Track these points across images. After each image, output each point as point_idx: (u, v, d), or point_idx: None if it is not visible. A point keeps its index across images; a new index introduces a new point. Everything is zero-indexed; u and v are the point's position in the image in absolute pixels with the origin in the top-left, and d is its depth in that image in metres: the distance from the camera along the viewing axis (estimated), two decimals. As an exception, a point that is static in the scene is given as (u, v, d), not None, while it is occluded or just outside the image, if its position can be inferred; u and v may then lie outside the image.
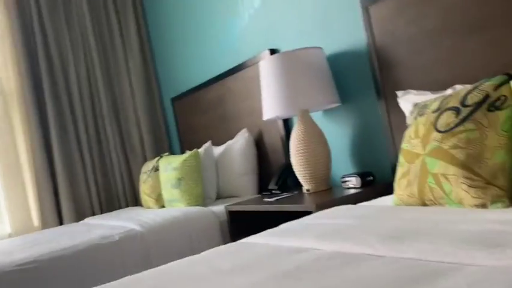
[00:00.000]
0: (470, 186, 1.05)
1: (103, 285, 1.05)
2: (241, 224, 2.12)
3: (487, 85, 1.12)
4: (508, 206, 1.02)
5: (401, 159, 1.27)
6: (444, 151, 1.11)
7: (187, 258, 1.17)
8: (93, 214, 3.11)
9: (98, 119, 3.25)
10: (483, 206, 1.04)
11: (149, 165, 2.76)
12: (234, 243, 1.26)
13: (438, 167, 1.12)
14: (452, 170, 1.09)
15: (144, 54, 3.41)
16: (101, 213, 3.13)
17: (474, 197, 1.05)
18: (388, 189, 1.72)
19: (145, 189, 2.69)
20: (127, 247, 1.94)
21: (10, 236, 2.90)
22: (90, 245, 1.87)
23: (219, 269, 0.99)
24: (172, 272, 1.05)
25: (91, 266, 1.83)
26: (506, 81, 1.10)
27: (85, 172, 3.14)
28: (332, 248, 0.98)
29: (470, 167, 1.06)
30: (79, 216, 3.05)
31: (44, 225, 2.97)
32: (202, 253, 1.20)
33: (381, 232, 0.96)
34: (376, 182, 1.87)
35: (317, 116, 2.19)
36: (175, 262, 1.16)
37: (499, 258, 0.69)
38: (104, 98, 3.26)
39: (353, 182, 1.82)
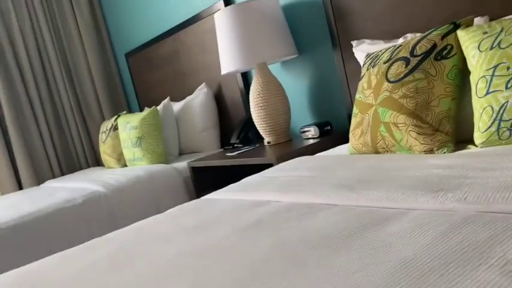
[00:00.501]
0: (418, 134, 1.11)
1: (71, 249, 1.06)
2: (205, 179, 2.15)
3: (434, 34, 1.16)
4: (452, 151, 1.09)
5: (355, 110, 1.31)
6: (395, 100, 1.16)
7: (151, 217, 1.19)
8: (53, 177, 3.05)
9: (49, 79, 3.11)
10: (430, 151, 1.11)
11: (107, 125, 2.70)
12: (197, 200, 1.29)
13: (389, 116, 1.16)
14: (402, 118, 1.14)
15: (93, 7, 3.23)
16: (62, 175, 3.08)
17: (422, 144, 1.11)
18: (345, 138, 1.79)
19: (105, 149, 2.65)
20: (91, 209, 1.94)
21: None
22: (53, 210, 1.86)
23: (183, 227, 1.02)
24: (137, 232, 1.07)
25: (56, 230, 1.83)
26: (452, 30, 1.14)
27: (40, 135, 3.04)
28: (290, 199, 1.02)
29: (418, 115, 1.12)
30: (39, 180, 2.99)
31: (3, 191, 2.90)
32: (166, 211, 1.23)
33: (335, 182, 1.01)
34: (333, 131, 1.93)
35: (275, 68, 2.19)
36: (139, 222, 1.18)
37: (441, 202, 0.75)
38: (55, 58, 3.10)
39: (312, 132, 1.87)
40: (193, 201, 1.29)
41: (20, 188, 2.96)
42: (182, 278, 0.71)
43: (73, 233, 1.84)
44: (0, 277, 0.98)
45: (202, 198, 1.31)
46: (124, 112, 2.71)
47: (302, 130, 1.93)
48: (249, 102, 2.32)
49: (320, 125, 1.86)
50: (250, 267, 0.69)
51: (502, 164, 0.85)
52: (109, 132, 2.64)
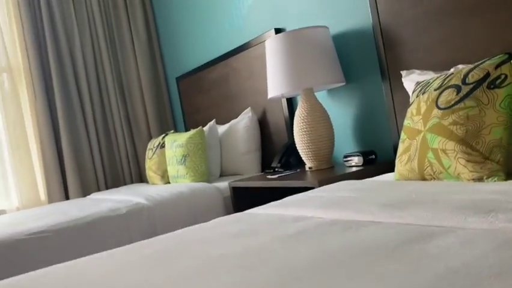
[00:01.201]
0: (468, 161, 1.10)
1: (115, 249, 1.11)
2: (245, 200, 2.18)
3: (488, 64, 1.15)
4: (503, 180, 1.06)
5: (403, 135, 1.31)
6: (444, 127, 1.15)
7: (195, 225, 1.23)
8: (98, 190, 3.17)
9: (104, 97, 3.29)
10: (480, 180, 1.08)
11: (155, 142, 2.80)
12: (239, 213, 1.31)
13: (438, 142, 1.16)
14: (451, 145, 1.13)
15: (149, 33, 3.43)
16: (106, 189, 3.19)
17: (471, 171, 1.09)
18: (389, 168, 1.77)
19: (150, 165, 2.75)
20: (134, 220, 2.00)
21: (18, 209, 2.97)
22: (98, 217, 1.93)
23: (225, 233, 1.04)
24: (180, 236, 1.10)
25: (99, 237, 1.89)
26: (506, 60, 1.14)
27: (90, 149, 3.19)
28: (333, 216, 1.02)
29: (468, 142, 1.10)
30: (85, 191, 3.12)
31: (51, 200, 3.03)
32: (210, 221, 1.25)
33: (381, 201, 1.01)
34: (378, 161, 1.91)
35: (321, 96, 2.23)
36: (183, 229, 1.21)
37: (491, 222, 0.73)
38: (110, 77, 3.29)
39: (355, 160, 1.87)
40: (234, 214, 1.31)
41: (67, 198, 3.10)
42: (224, 276, 0.73)
43: (115, 241, 1.90)
44: (50, 269, 1.03)
45: (243, 212, 1.33)
46: (172, 131, 2.81)
47: (345, 158, 1.92)
48: (292, 129, 2.35)
49: (364, 154, 1.85)
50: (292, 271, 0.70)
51: (558, 192, 0.82)
52: (155, 150, 2.74)
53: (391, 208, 0.94)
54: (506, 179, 1.07)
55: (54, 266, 1.02)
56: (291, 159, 2.29)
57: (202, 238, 1.04)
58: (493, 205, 0.81)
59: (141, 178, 3.35)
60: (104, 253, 1.07)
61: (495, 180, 1.06)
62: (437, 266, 0.59)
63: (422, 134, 1.22)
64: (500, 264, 0.56)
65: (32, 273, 0.98)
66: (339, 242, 0.80)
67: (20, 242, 1.70)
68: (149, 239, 1.13)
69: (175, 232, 1.18)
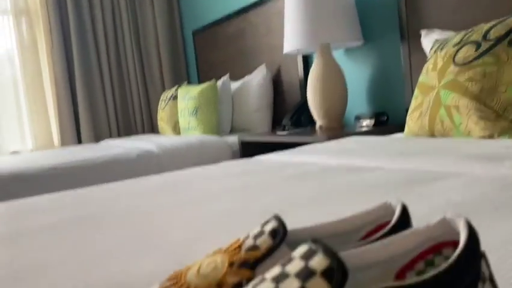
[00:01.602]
0: (480, 118, 1.08)
1: (123, 181, 1.13)
2: (253, 155, 2.19)
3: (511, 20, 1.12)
4: (514, 139, 1.05)
5: (416, 92, 1.29)
6: (460, 84, 1.13)
7: (204, 167, 1.24)
8: (111, 137, 3.22)
9: (120, 46, 3.28)
10: (490, 137, 1.07)
11: (168, 94, 2.81)
12: (247, 158, 1.32)
13: (452, 98, 1.14)
14: (464, 102, 1.11)
15: (168, -16, 3.37)
16: (119, 137, 3.24)
17: (483, 129, 1.08)
18: (400, 130, 1.75)
19: (162, 116, 2.76)
20: (144, 165, 2.04)
21: (32, 151, 3.04)
22: (109, 159, 1.97)
23: (230, 172, 1.05)
24: (187, 174, 1.12)
25: (109, 178, 1.93)
26: (532, 18, 1.10)
27: (104, 97, 3.22)
28: (338, 162, 1.03)
29: (482, 99, 1.08)
30: (97, 138, 3.17)
31: (64, 144, 3.09)
32: (216, 164, 1.27)
33: (388, 152, 1.01)
34: (389, 123, 1.89)
35: (338, 55, 2.19)
36: (190, 169, 1.23)
37: (497, 168, 0.73)
38: (127, 27, 3.27)
39: (367, 120, 1.85)
40: (241, 159, 1.33)
41: (80, 143, 3.15)
42: (227, 202, 0.74)
43: (123, 183, 1.94)
44: (57, 194, 1.06)
45: (250, 158, 1.34)
46: (185, 83, 2.81)
47: (357, 118, 1.91)
48: (305, 89, 2.33)
49: (376, 115, 1.84)
50: (293, 201, 0.71)
51: None
52: (168, 101, 2.75)
53: (397, 156, 0.94)
54: (518, 138, 1.05)
55: (62, 192, 1.05)
56: (302, 117, 2.28)
57: (207, 175, 1.06)
58: (501, 155, 0.80)
59: (153, 129, 3.38)
60: (112, 183, 1.10)
61: (507, 138, 1.05)
62: (437, 200, 0.60)
63: (436, 91, 1.20)
64: (499, 201, 0.56)
65: (44, 196, 1.01)
66: (342, 181, 0.81)
67: (30, 176, 1.75)
68: (156, 175, 1.16)
69: (183, 170, 1.20)
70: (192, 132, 2.49)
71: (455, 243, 0.30)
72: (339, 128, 1.91)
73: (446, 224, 0.30)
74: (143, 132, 3.36)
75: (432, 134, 1.22)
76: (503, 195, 0.59)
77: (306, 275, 0.24)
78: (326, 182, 0.83)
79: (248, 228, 0.58)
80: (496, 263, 0.38)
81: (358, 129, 1.78)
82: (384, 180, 0.78)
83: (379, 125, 1.84)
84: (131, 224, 0.65)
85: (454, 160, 0.82)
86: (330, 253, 0.24)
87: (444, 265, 0.25)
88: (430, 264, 0.31)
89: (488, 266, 0.27)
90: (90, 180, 1.87)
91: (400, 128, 1.76)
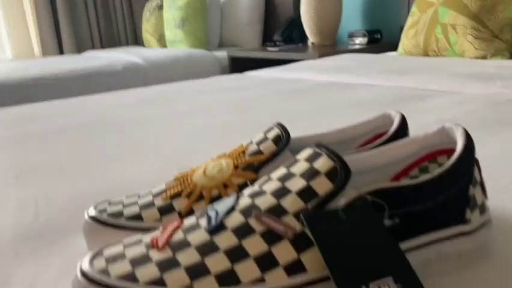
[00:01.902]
0: (476, 38, 1.07)
1: (112, 92, 1.11)
2: (243, 71, 2.16)
3: None
4: (507, 59, 1.05)
5: (413, 9, 1.25)
6: (459, 1, 1.10)
7: (194, 80, 1.23)
8: (93, 48, 3.11)
9: None
10: (484, 58, 1.07)
11: (152, 3, 2.67)
12: (238, 74, 1.30)
13: (449, 16, 1.11)
14: (462, 20, 1.09)
15: None
16: (102, 48, 3.13)
17: (477, 49, 1.07)
18: (394, 48, 1.73)
19: (147, 27, 2.65)
20: (129, 78, 1.99)
21: (11, 61, 2.93)
22: (94, 71, 1.92)
23: (223, 87, 1.05)
24: (177, 87, 1.11)
25: (95, 89, 1.90)
26: None
27: (86, 5, 3.04)
28: (331, 79, 1.02)
29: (480, 18, 1.06)
30: (79, 49, 3.05)
31: (45, 54, 2.98)
32: (207, 78, 1.25)
33: (381, 69, 1.00)
34: (383, 41, 1.86)
35: (334, -33, 2.07)
36: (181, 82, 1.21)
37: (488, 87, 0.74)
38: None
39: (360, 38, 1.82)
40: (232, 74, 1.31)
41: (61, 53, 3.04)
42: (221, 116, 0.75)
43: (110, 96, 1.92)
44: (51, 103, 1.05)
45: (242, 73, 1.32)
46: (171, -8, 2.66)
47: (350, 35, 1.87)
48: (298, 3, 2.23)
49: (369, 32, 1.80)
50: (286, 114, 0.72)
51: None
52: (153, 11, 2.62)
53: (390, 74, 0.94)
54: (510, 58, 1.06)
55: (50, 101, 1.04)
56: (294, 33, 2.21)
57: (199, 89, 1.05)
58: (493, 75, 0.81)
59: (137, 41, 3.26)
60: (102, 94, 1.09)
61: (498, 59, 1.05)
62: (428, 117, 0.61)
63: (434, 7, 1.16)
64: (488, 118, 0.58)
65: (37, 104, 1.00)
66: (334, 98, 0.81)
67: (11, 87, 1.71)
68: (146, 87, 1.14)
69: (174, 84, 1.18)
70: (179, 46, 2.41)
71: (450, 151, 0.32)
72: (332, 45, 1.88)
73: (444, 132, 0.31)
74: (127, 44, 3.24)
75: (426, 53, 1.22)
76: (492, 112, 0.60)
77: (311, 174, 0.25)
78: (318, 97, 0.83)
79: (243, 139, 0.59)
80: (485, 176, 0.40)
81: (351, 47, 1.75)
82: (377, 97, 0.78)
83: (372, 43, 1.80)
84: (127, 133, 0.66)
85: (446, 79, 0.82)
86: (334, 155, 0.25)
87: (442, 167, 0.26)
88: (424, 170, 0.32)
89: (480, 172, 0.29)
90: (74, 92, 1.83)
91: (394, 46, 1.73)
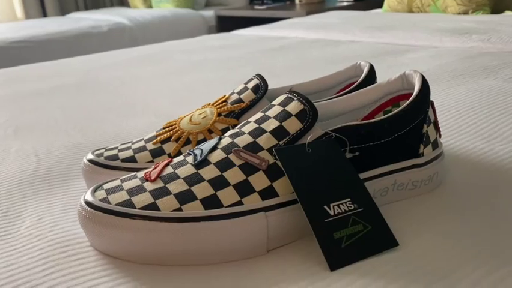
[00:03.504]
0: (458, -7, 1.08)
1: (99, 53, 1.12)
2: (230, 31, 2.15)
3: None
4: (487, 14, 1.07)
5: (399, -36, 1.26)
6: (443, -45, 1.10)
7: (181, 40, 1.23)
8: (77, 10, 3.04)
9: None
10: (465, 13, 1.09)
11: (136, -39, 2.60)
12: (224, 33, 1.31)
13: (433, -28, 1.12)
14: (445, -25, 1.10)
15: None
16: (86, 10, 3.06)
17: (459, 5, 1.09)
18: (380, 5, 1.73)
19: (132, -13, 2.60)
20: (115, 39, 1.98)
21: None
22: (80, 33, 1.90)
23: (209, 46, 1.06)
24: (164, 46, 1.12)
25: (80, 51, 1.89)
26: None
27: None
28: (315, 36, 1.04)
29: (463, -27, 1.08)
30: (63, 11, 2.99)
31: (28, 16, 2.91)
32: (194, 38, 1.26)
33: (364, 25, 1.02)
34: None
35: None
36: (168, 42, 1.22)
37: (464, 41, 0.77)
38: None
39: (346, -5, 1.81)
40: (219, 33, 1.32)
41: (45, 16, 2.97)
42: (208, 72, 0.77)
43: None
44: (41, 64, 1.05)
45: (228, 32, 1.33)
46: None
47: (337, -8, 1.86)
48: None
49: (356, -12, 1.79)
50: (271, 71, 0.74)
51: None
52: (137, -31, 2.55)
53: (373, 30, 0.96)
54: (491, 13, 1.08)
55: (40, 63, 1.05)
56: (281, -9, 2.19)
57: (186, 49, 1.06)
58: (471, 29, 0.84)
59: (122, 1, 3.19)
60: (90, 55, 1.09)
61: (479, 14, 1.07)
62: (404, 70, 0.64)
63: (419, -37, 1.17)
64: (458, 70, 0.61)
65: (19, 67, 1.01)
66: (318, 54, 0.84)
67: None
68: (133, 48, 1.15)
69: (158, 44, 1.19)
70: (164, 5, 2.38)
71: (411, 96, 0.35)
72: (320, 3, 1.87)
73: (404, 78, 0.34)
74: (112, 5, 3.17)
75: (410, 10, 1.23)
76: (463, 65, 0.63)
77: (283, 116, 0.28)
78: (303, 54, 0.86)
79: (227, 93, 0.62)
80: (448, 120, 0.44)
81: (338, 4, 1.75)
82: (359, 52, 0.81)
83: (359, 0, 1.80)
84: (117, 92, 0.68)
85: (426, 34, 0.85)
86: (304, 99, 0.29)
87: (399, 108, 0.30)
88: (388, 113, 0.36)
89: (434, 112, 0.32)
90: (59, 55, 1.82)
91: (380, 3, 1.73)
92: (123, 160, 0.33)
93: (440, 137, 0.33)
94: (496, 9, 1.11)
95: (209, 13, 2.23)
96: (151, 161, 0.33)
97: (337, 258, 0.23)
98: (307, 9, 1.66)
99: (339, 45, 0.90)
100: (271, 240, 0.25)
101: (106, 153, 0.34)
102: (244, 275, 0.23)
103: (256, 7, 1.99)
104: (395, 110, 0.30)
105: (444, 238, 0.25)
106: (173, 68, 0.83)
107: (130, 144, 0.35)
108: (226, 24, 2.12)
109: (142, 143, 0.34)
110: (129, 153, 0.33)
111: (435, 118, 0.32)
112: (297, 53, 0.88)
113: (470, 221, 0.26)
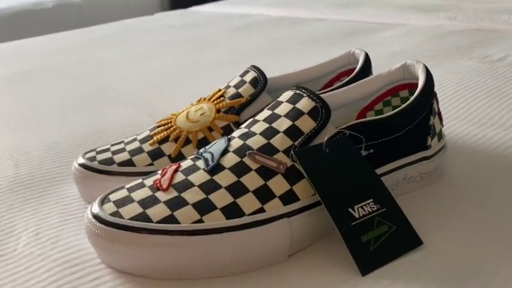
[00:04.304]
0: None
1: (55, 34, 1.04)
2: (184, 3, 2.07)
3: None
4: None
5: None
6: None
7: (138, 18, 1.17)
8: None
9: None
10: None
11: None
12: (183, 9, 1.26)
13: None
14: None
15: None
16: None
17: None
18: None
19: (74, -42, 2.42)
20: (61, 16, 1.85)
21: None
22: (21, 10, 1.76)
23: (170, 25, 1.02)
24: (122, 25, 1.06)
25: (22, 32, 1.75)
26: None
27: None
28: (280, 13, 1.02)
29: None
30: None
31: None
32: (151, 15, 1.20)
33: (330, 2, 1.02)
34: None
35: None
36: (127, 20, 1.15)
37: (430, 20, 0.78)
38: None
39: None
40: (177, 10, 1.26)
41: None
42: (175, 56, 0.74)
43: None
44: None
45: (186, 9, 1.28)
46: None
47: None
48: None
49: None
50: (242, 53, 0.72)
51: None
52: None
53: (339, 7, 0.95)
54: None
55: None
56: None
57: (146, 27, 1.01)
58: (437, 7, 0.85)
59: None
60: (36, 37, 1.01)
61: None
62: (380, 51, 0.64)
63: None
64: (434, 49, 0.63)
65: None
66: (287, 33, 0.83)
67: None
68: (89, 27, 1.08)
69: (115, 22, 1.12)
70: (113, -22, 2.24)
71: (410, 86, 0.35)
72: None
73: (405, 68, 0.34)
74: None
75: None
76: (436, 44, 0.65)
77: (295, 114, 0.27)
78: (271, 33, 0.84)
79: (206, 80, 0.60)
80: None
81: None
82: (329, 31, 0.80)
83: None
84: (82, 79, 0.64)
85: (392, 11, 0.86)
86: (315, 96, 0.28)
87: (408, 102, 0.30)
88: (387, 104, 0.36)
89: (437, 103, 0.33)
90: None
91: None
92: (120, 164, 0.31)
93: (443, 126, 0.33)
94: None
95: (161, -14, 2.13)
96: (151, 164, 0.31)
97: (367, 262, 0.23)
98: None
99: (307, 24, 0.89)
100: (293, 245, 0.25)
101: (99, 157, 0.31)
102: (271, 285, 0.23)
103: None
104: (404, 104, 0.30)
105: (465, 232, 0.25)
106: (139, 50, 0.79)
107: (123, 145, 0.33)
108: (179, -1, 2.04)
109: (137, 144, 0.32)
110: (125, 155, 0.31)
111: (439, 108, 0.32)
112: (264, 32, 0.86)
113: (483, 210, 0.27)
